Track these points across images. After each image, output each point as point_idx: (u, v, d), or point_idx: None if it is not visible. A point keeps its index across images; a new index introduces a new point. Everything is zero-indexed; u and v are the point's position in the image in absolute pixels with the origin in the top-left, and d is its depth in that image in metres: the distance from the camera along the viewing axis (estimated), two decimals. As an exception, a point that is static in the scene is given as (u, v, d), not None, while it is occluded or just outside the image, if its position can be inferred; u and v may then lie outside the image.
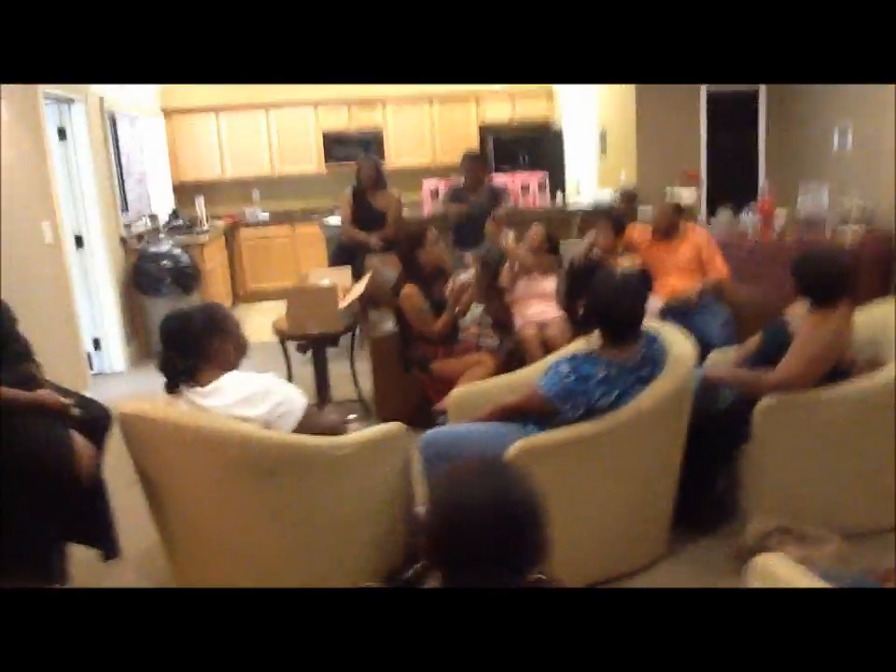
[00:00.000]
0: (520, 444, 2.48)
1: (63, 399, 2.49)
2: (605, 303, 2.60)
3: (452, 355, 4.08)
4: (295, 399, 2.48)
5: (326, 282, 4.21)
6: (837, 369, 2.80)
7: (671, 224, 4.72)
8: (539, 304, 4.53)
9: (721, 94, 6.65)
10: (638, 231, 4.87)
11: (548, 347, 4.17)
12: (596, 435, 2.50)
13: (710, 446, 2.83)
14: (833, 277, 2.84)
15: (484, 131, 8.73)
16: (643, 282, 2.71)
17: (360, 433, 2.62)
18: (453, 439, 2.73)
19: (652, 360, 2.63)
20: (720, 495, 2.97)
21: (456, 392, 3.08)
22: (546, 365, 2.84)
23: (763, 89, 6.73)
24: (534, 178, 6.52)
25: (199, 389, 2.42)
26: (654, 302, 4.43)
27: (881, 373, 2.75)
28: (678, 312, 4.28)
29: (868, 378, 2.76)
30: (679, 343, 2.75)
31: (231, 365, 2.49)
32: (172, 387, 2.45)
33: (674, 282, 4.62)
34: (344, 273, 4.80)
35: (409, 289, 4.05)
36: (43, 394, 2.47)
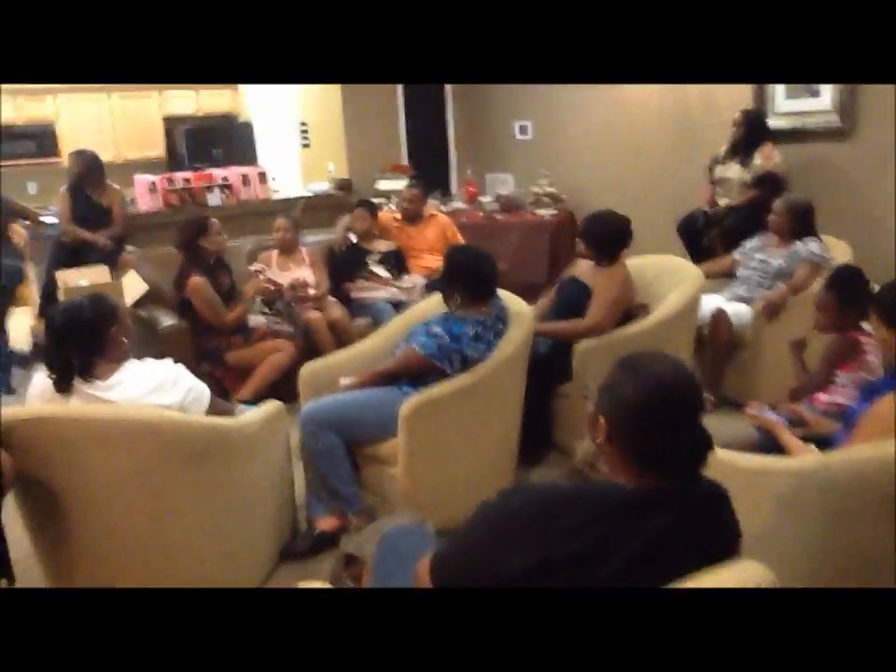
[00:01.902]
0: (415, 400, 2.70)
1: None
2: (467, 269, 2.91)
3: (247, 344, 4.08)
4: (199, 384, 2.45)
5: (132, 276, 3.93)
6: (628, 312, 3.43)
7: (417, 210, 5.15)
8: (309, 290, 4.66)
9: (413, 88, 7.27)
10: (388, 217, 5.23)
11: (335, 328, 4.36)
12: (473, 384, 2.81)
13: (538, 386, 3.27)
14: (614, 235, 3.46)
15: (170, 123, 8.43)
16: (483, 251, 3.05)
17: (255, 411, 2.64)
18: (333, 408, 2.84)
19: (502, 315, 3.01)
20: (546, 428, 3.45)
21: (306, 369, 3.17)
22: (409, 330, 3.07)
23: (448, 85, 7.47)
24: (253, 171, 6.54)
25: (99, 383, 2.27)
26: (418, 279, 4.84)
27: (659, 311, 3.42)
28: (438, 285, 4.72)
29: (652, 317, 3.41)
30: (513, 300, 3.16)
31: (125, 356, 2.36)
32: (64, 385, 2.26)
33: (427, 261, 5.06)
34: (102, 272, 4.48)
35: (196, 281, 3.97)
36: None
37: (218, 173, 6.45)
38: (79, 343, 2.25)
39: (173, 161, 8.39)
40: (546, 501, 1.37)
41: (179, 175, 6.33)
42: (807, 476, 1.93)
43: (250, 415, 2.59)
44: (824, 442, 2.19)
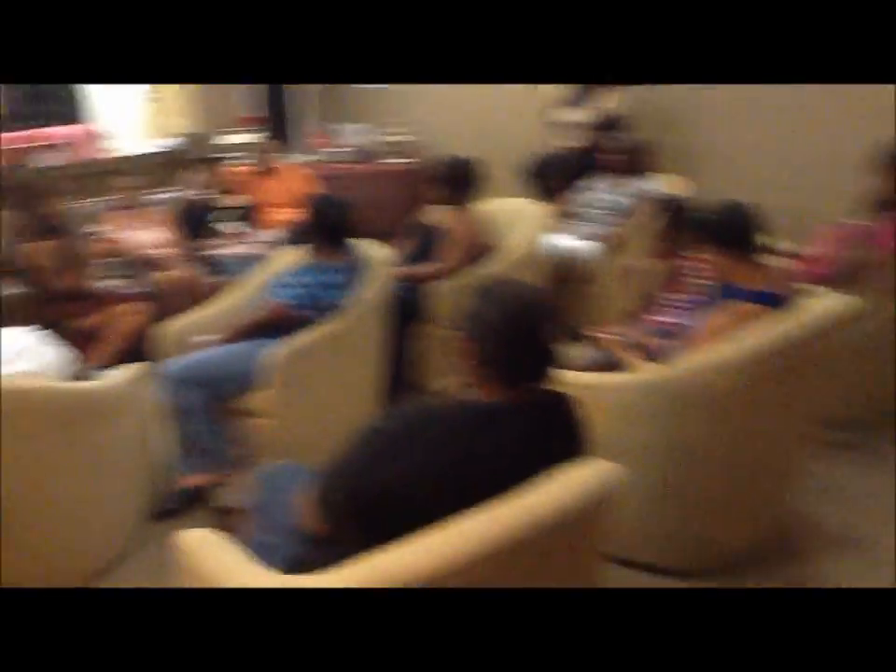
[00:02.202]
0: (286, 349, 2.73)
1: None
2: (325, 218, 2.94)
3: (98, 309, 3.95)
4: (59, 350, 2.40)
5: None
6: (482, 253, 3.57)
7: (271, 162, 5.09)
8: (159, 250, 4.54)
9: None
10: (241, 171, 5.14)
11: (188, 287, 4.28)
12: (338, 331, 2.87)
13: (399, 328, 3.37)
14: (465, 181, 3.58)
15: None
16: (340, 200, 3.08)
17: (117, 373, 2.60)
18: (196, 366, 2.83)
19: (362, 263, 3.07)
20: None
21: (165, 328, 3.13)
22: (270, 283, 3.08)
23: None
24: (82, 130, 6.20)
25: (-51, 353, 2.18)
26: (275, 233, 4.81)
27: (509, 250, 3.58)
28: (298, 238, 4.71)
29: (503, 256, 3.57)
30: (372, 247, 3.23)
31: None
32: None
33: (283, 214, 5.03)
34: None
35: (34, 246, 3.79)
36: None
37: (45, 132, 6.08)
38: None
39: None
40: (419, 417, 1.49)
41: (7, 135, 5.92)
42: (645, 386, 2.14)
43: (113, 378, 2.55)
44: (660, 358, 2.41)
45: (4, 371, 2.21)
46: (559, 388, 1.59)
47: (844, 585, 2.24)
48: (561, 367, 1.56)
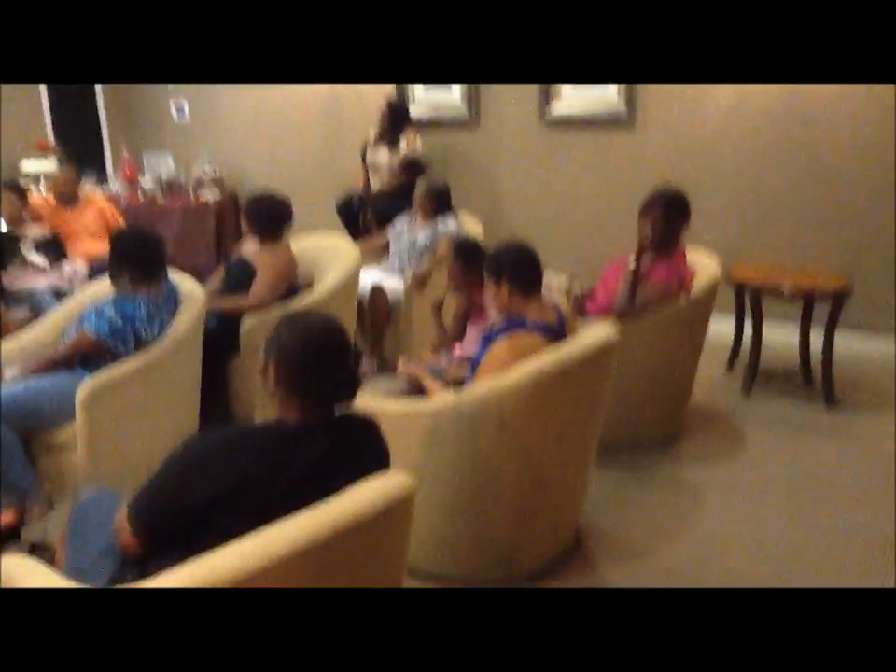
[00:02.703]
0: (89, 384, 2.75)
1: None
2: (135, 250, 2.98)
3: None
4: None
5: None
6: (293, 288, 3.71)
7: (72, 192, 4.97)
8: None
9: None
10: (41, 200, 4.98)
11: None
12: (149, 364, 2.91)
13: (211, 361, 3.44)
14: (276, 216, 3.72)
15: None
16: (149, 232, 3.13)
17: None
18: (4, 398, 2.77)
19: (174, 295, 3.13)
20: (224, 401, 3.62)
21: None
22: (79, 315, 3.06)
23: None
24: None
25: None
26: (79, 265, 4.70)
27: (320, 286, 3.74)
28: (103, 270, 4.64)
29: (314, 292, 3.71)
30: (184, 280, 3.29)
31: None
32: None
33: (88, 246, 4.92)
34: None
35: None
36: None
37: None
38: None
39: None
40: (225, 439, 1.64)
41: None
42: (442, 412, 2.38)
43: None
44: (461, 386, 2.67)
45: None
46: (361, 412, 1.79)
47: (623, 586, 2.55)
48: (364, 393, 1.75)
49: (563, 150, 5.31)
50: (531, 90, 5.29)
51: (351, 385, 1.71)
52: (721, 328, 4.22)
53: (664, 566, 2.68)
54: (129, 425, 2.91)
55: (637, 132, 5.00)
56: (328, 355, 1.67)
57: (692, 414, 3.76)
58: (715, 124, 4.75)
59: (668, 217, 3.32)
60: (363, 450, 1.72)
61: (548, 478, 2.51)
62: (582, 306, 3.40)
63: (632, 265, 3.23)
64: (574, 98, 5.18)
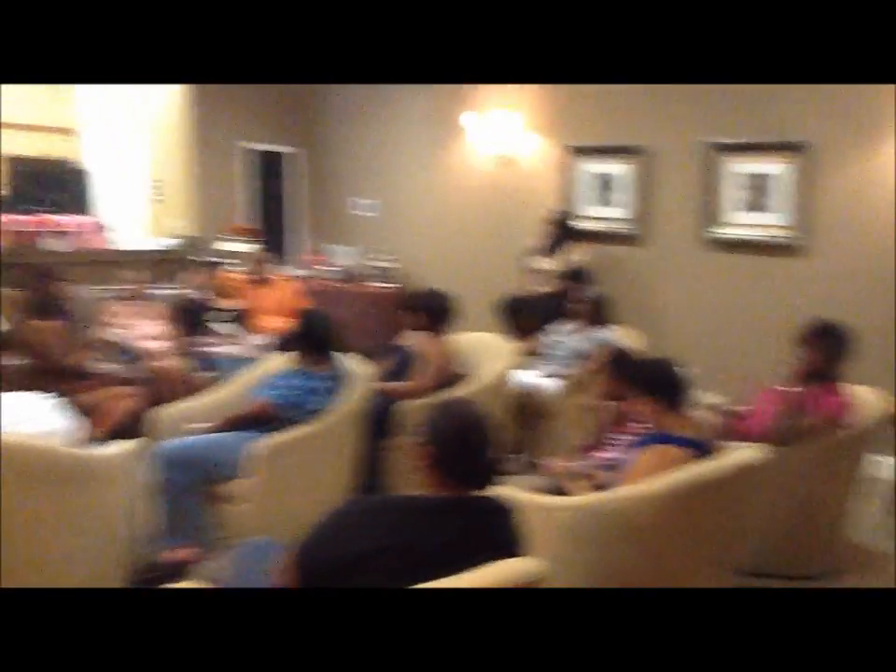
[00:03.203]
0: (267, 443, 3.05)
1: None
2: (315, 330, 3.31)
3: (92, 388, 4.22)
4: (65, 417, 2.69)
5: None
6: (450, 379, 3.94)
7: (264, 273, 5.51)
8: (154, 342, 4.86)
9: (264, 153, 7.66)
10: (235, 277, 5.55)
11: (177, 377, 4.58)
12: (317, 432, 3.20)
13: (370, 438, 3.68)
14: (442, 312, 3.99)
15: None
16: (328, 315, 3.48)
17: (113, 446, 2.87)
18: (187, 448, 3.12)
19: (343, 374, 3.42)
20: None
21: (158, 413, 3.43)
22: (258, 378, 3.42)
23: (294, 153, 7.90)
24: (90, 221, 6.62)
25: (-26, 411, 2.47)
26: (262, 339, 5.16)
27: (476, 380, 3.95)
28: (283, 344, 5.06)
29: (470, 384, 3.93)
30: (353, 361, 3.59)
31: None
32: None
33: (270, 322, 5.41)
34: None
35: (38, 324, 4.11)
36: None
37: (55, 218, 6.47)
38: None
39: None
40: (378, 503, 1.84)
41: (13, 218, 6.29)
42: (580, 510, 2.47)
43: (109, 449, 2.83)
44: (602, 489, 2.75)
45: (14, 430, 2.49)
46: (499, 498, 1.93)
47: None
48: (505, 482, 1.90)
49: (724, 272, 5.35)
50: (698, 210, 5.41)
51: (490, 472, 1.87)
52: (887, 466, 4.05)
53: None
54: (293, 484, 3.17)
55: (806, 258, 4.98)
56: (473, 441, 1.85)
57: (848, 554, 3.59)
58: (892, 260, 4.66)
59: (828, 348, 3.30)
60: (497, 532, 1.85)
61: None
62: (733, 425, 3.40)
63: (794, 393, 3.21)
64: (741, 221, 5.24)
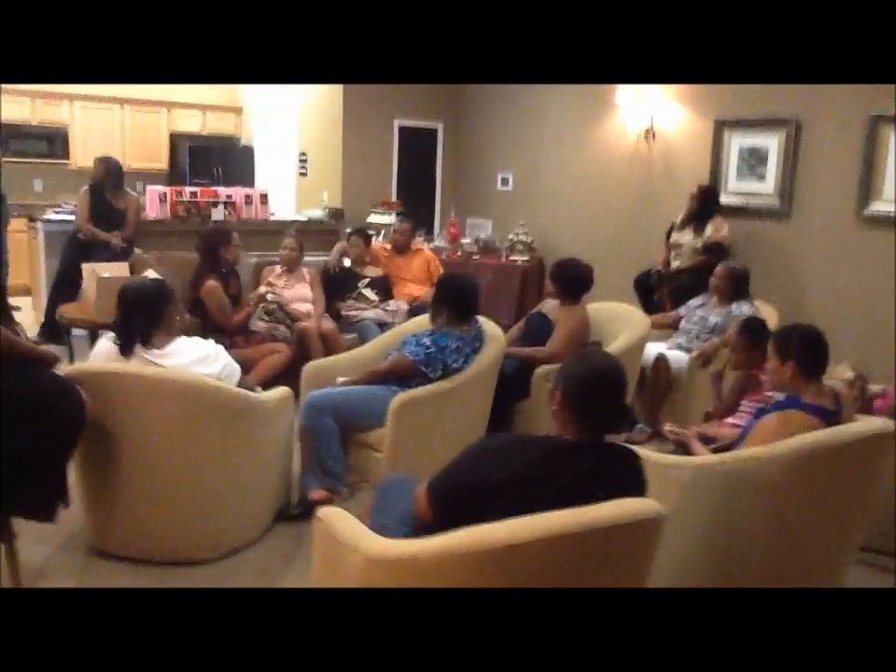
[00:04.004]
0: (402, 397, 3.28)
1: (55, 355, 2.67)
2: (456, 292, 3.50)
3: (250, 344, 4.61)
4: (233, 362, 3.01)
5: (151, 273, 4.44)
6: (584, 346, 4.05)
7: (406, 243, 5.77)
8: (305, 304, 5.21)
9: (409, 128, 7.95)
10: (379, 247, 5.84)
11: (324, 337, 4.92)
12: (451, 389, 3.39)
13: (503, 400, 3.86)
14: (579, 281, 4.10)
15: (175, 139, 9.00)
16: (470, 279, 3.66)
17: (269, 393, 3.18)
18: (333, 398, 3.40)
19: (480, 336, 3.60)
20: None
21: (308, 366, 3.74)
22: (398, 339, 3.66)
23: (441, 128, 8.15)
24: (255, 192, 7.11)
25: (155, 351, 2.82)
26: (402, 304, 5.43)
27: (609, 348, 4.03)
28: (421, 310, 5.31)
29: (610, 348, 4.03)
30: (490, 325, 3.76)
31: (177, 331, 2.91)
32: (127, 350, 2.81)
33: (411, 289, 5.67)
34: (122, 267, 4.99)
35: (211, 283, 4.52)
36: (44, 348, 2.66)
37: (223, 190, 7.02)
38: (143, 315, 2.80)
39: (174, 174, 8.94)
40: (512, 439, 2.00)
41: (187, 189, 6.89)
42: (702, 468, 2.55)
43: (268, 394, 3.14)
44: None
45: (192, 369, 2.82)
46: (628, 445, 2.04)
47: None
48: (630, 415, 2.01)
49: (878, 249, 5.14)
50: (851, 185, 5.22)
51: (622, 416, 1.98)
52: None
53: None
54: (425, 437, 3.39)
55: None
56: (607, 387, 1.95)
57: None
58: None
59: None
60: (624, 473, 1.97)
61: (797, 550, 2.55)
62: (872, 404, 3.34)
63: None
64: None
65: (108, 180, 5.92)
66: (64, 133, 8.43)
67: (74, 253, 5.80)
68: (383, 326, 5.06)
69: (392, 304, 5.43)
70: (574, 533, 1.70)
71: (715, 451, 2.86)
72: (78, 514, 3.01)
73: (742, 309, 4.52)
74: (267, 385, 4.28)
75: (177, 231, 6.43)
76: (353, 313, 5.30)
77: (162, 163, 9.02)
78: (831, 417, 2.59)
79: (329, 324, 5.06)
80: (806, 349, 2.67)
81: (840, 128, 5.26)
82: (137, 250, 5.89)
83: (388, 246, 5.86)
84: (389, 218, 7.32)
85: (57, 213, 6.72)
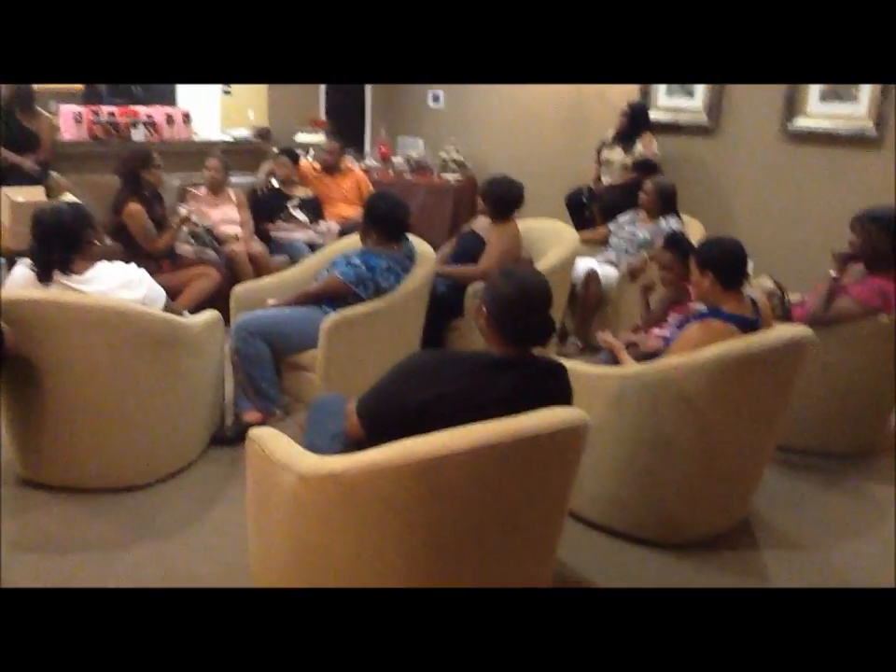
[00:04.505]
0: (334, 318, 3.26)
1: None
2: (385, 211, 3.46)
3: (177, 268, 4.51)
4: (157, 287, 2.94)
5: (69, 197, 4.26)
6: (515, 263, 4.07)
7: (335, 163, 5.65)
8: (232, 227, 5.09)
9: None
10: (308, 167, 5.71)
11: (253, 259, 4.84)
12: (383, 309, 3.39)
13: (436, 319, 3.88)
14: (510, 199, 4.09)
15: (89, 58, 8.53)
16: (399, 198, 3.61)
17: (197, 317, 3.13)
18: (263, 320, 3.36)
19: (410, 255, 3.59)
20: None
21: (238, 289, 3.68)
22: (328, 260, 3.62)
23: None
24: (177, 112, 6.83)
25: (76, 277, 2.74)
26: (333, 225, 5.35)
27: (540, 264, 4.06)
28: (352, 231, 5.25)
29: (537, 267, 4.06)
30: (421, 244, 3.74)
31: (97, 256, 2.83)
32: (45, 277, 2.71)
33: (341, 209, 5.58)
34: (38, 191, 4.78)
35: (133, 207, 4.37)
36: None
37: (143, 110, 6.72)
38: (61, 241, 2.70)
39: (91, 93, 8.48)
40: (439, 356, 2.02)
41: (105, 109, 6.56)
42: (628, 378, 2.63)
43: (195, 318, 3.09)
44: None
45: (110, 296, 2.75)
46: (554, 358, 2.08)
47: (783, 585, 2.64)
48: (554, 330, 2.04)
49: (802, 166, 5.25)
50: (776, 100, 5.27)
51: (547, 331, 2.01)
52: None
53: (830, 562, 2.74)
54: (358, 357, 3.39)
55: (884, 151, 4.85)
56: (530, 302, 1.97)
57: (885, 438, 3.68)
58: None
59: (880, 235, 3.30)
60: (550, 385, 2.01)
61: (720, 455, 2.67)
62: (791, 313, 3.46)
63: (833, 273, 3.27)
64: (820, 112, 5.11)
65: (17, 100, 5.60)
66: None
67: (-15, 178, 5.52)
68: (313, 247, 5.00)
69: (322, 225, 5.36)
70: (500, 443, 1.74)
71: (640, 360, 2.94)
72: (6, 447, 2.96)
73: (670, 224, 4.58)
74: (196, 309, 4.22)
75: (96, 154, 6.14)
76: (282, 234, 5.22)
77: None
78: (750, 326, 2.68)
79: (258, 246, 4.98)
80: (724, 260, 2.73)
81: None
82: (53, 174, 5.63)
83: (317, 166, 5.73)
84: (318, 138, 7.13)
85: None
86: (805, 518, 3.05)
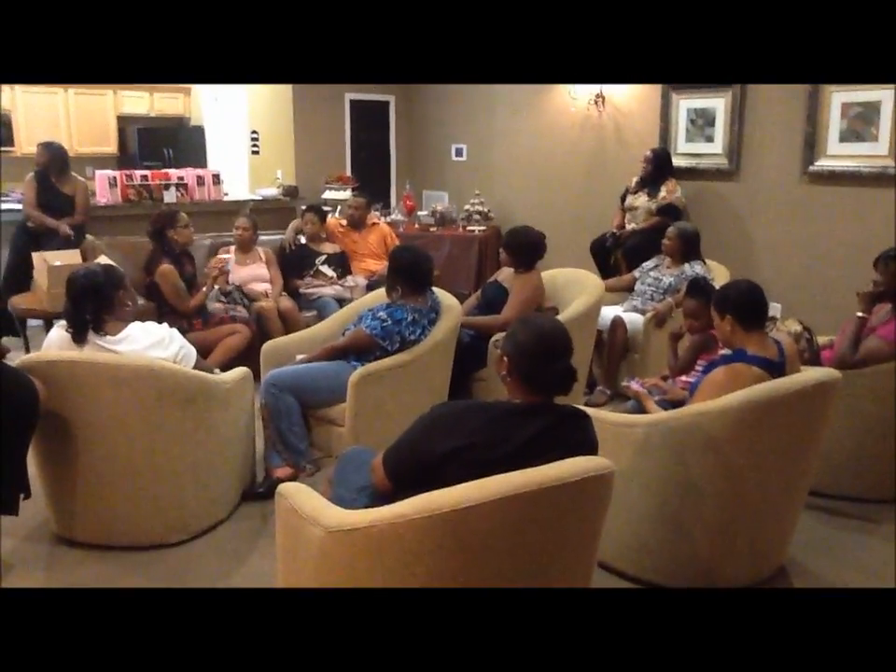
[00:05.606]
0: (361, 371, 3.30)
1: (4, 346, 2.65)
2: (409, 265, 3.52)
3: (208, 326, 4.60)
4: (188, 345, 3.01)
5: (104, 259, 4.39)
6: (538, 311, 4.10)
7: (362, 218, 5.76)
8: (262, 284, 5.19)
9: (360, 102, 7.91)
10: (335, 223, 5.82)
11: (283, 315, 4.92)
12: (410, 361, 3.42)
13: (462, 370, 3.90)
14: (531, 248, 4.14)
15: (123, 122, 8.84)
16: (423, 251, 3.67)
17: (227, 374, 3.19)
18: (292, 375, 3.41)
19: (436, 307, 3.63)
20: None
21: (267, 345, 3.74)
22: (356, 314, 3.67)
23: (392, 101, 8.11)
24: (207, 173, 7.03)
25: (109, 337, 2.81)
26: (360, 280, 5.43)
27: (565, 313, 4.09)
28: (379, 285, 5.32)
29: (558, 317, 4.07)
30: (445, 296, 3.79)
31: (130, 316, 2.91)
32: (80, 337, 2.79)
33: (369, 264, 5.67)
34: (74, 255, 4.93)
35: (165, 268, 4.48)
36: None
37: (175, 172, 6.93)
38: (94, 302, 2.79)
39: (124, 157, 8.79)
40: (462, 407, 2.03)
41: (138, 172, 6.78)
42: (653, 425, 2.62)
43: (225, 375, 3.15)
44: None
45: (142, 355, 2.82)
46: (577, 407, 2.09)
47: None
48: (576, 378, 2.05)
49: (824, 206, 5.25)
50: (795, 141, 5.31)
51: (569, 378, 2.02)
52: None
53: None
54: (386, 410, 3.42)
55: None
56: (550, 350, 2.00)
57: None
58: None
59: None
60: (574, 433, 2.02)
61: (750, 500, 2.63)
62: (820, 356, 3.44)
63: (860, 313, 3.25)
64: (840, 153, 5.13)
65: (53, 166, 5.80)
66: (7, 119, 8.21)
67: (23, 242, 5.70)
68: (341, 302, 5.06)
69: (350, 280, 5.43)
70: (525, 493, 1.74)
71: (667, 409, 2.93)
72: (42, 505, 3.01)
73: (694, 269, 4.60)
74: (227, 366, 4.31)
75: (130, 216, 6.35)
76: (311, 290, 5.30)
77: (111, 147, 8.84)
78: (776, 369, 2.67)
79: (287, 302, 5.06)
80: (741, 301, 2.74)
81: (784, 87, 5.33)
82: (89, 237, 5.80)
83: (344, 222, 5.84)
84: (344, 194, 7.28)
85: (4, 202, 6.58)
86: (844, 564, 2.98)
